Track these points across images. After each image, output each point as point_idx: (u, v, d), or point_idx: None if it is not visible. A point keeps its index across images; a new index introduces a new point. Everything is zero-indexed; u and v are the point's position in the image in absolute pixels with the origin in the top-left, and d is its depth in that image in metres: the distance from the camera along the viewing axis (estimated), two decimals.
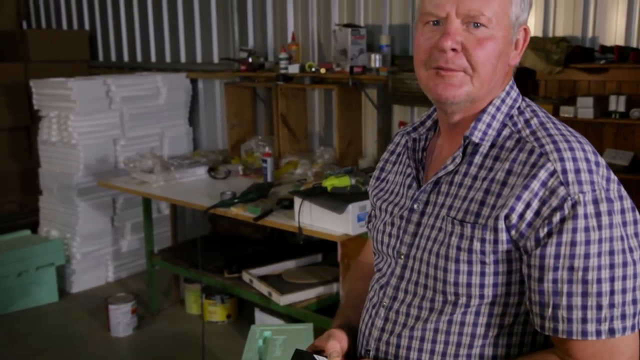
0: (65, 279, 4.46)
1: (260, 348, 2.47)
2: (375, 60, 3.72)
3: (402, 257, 1.24)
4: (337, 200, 2.86)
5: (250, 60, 4.33)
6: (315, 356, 1.10)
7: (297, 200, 2.97)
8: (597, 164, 1.07)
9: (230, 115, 4.51)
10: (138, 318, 3.90)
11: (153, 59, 5.37)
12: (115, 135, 4.56)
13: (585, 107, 3.10)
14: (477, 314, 1.14)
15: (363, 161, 3.92)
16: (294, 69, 4.03)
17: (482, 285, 1.12)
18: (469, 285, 1.12)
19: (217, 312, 3.90)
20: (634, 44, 3.13)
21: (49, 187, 4.60)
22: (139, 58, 5.48)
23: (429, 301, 1.18)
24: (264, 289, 3.27)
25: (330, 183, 2.93)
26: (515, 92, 1.21)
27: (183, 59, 5.14)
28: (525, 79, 3.28)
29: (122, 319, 3.80)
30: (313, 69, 3.95)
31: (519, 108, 1.19)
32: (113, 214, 4.60)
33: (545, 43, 3.17)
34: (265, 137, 4.40)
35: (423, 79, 1.17)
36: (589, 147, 1.09)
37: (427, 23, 1.15)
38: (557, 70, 3.11)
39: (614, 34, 3.20)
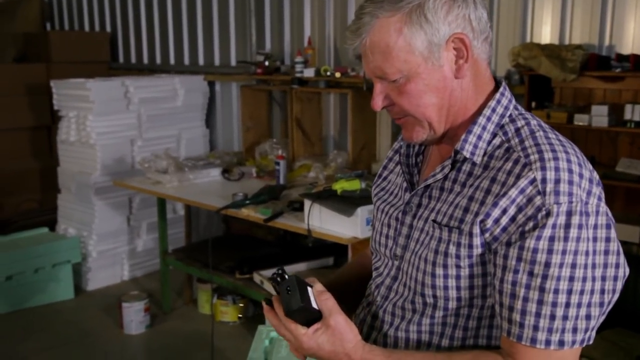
0: (81, 276, 4.53)
1: (267, 348, 2.48)
2: None
3: (398, 259, 1.26)
4: (346, 203, 2.87)
5: (266, 63, 4.36)
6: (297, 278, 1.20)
7: (307, 203, 2.99)
8: (581, 175, 1.06)
9: (246, 117, 4.54)
10: (151, 316, 3.94)
11: (172, 61, 5.43)
12: (133, 135, 4.61)
13: (599, 116, 3.08)
14: (457, 315, 1.16)
15: (376, 165, 3.92)
16: (309, 72, 4.05)
17: (458, 288, 1.13)
18: (445, 288, 1.14)
19: (228, 313, 3.93)
20: None
21: (67, 185, 4.67)
22: (158, 60, 5.55)
23: (410, 302, 1.21)
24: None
25: (340, 186, 2.94)
26: (506, 99, 1.18)
27: (201, 61, 5.19)
28: (540, 86, 3.27)
29: (135, 316, 3.84)
30: (328, 73, 3.97)
31: (510, 116, 1.17)
32: (129, 213, 4.66)
33: (560, 50, 3.15)
34: (280, 139, 4.43)
35: None
36: (575, 158, 1.07)
37: None
38: (572, 78, 3.09)
39: (631, 42, 3.18)
